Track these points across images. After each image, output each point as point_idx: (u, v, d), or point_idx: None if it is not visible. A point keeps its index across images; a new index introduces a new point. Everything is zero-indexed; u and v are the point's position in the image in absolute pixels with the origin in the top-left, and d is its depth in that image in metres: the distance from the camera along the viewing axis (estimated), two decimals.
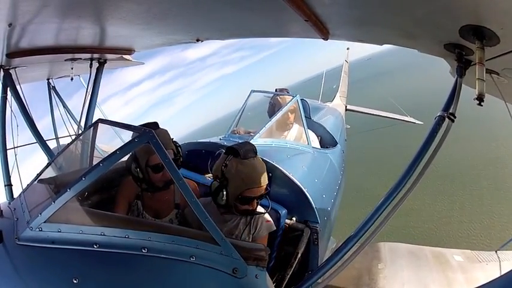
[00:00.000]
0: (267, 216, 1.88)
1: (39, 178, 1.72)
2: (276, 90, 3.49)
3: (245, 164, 1.68)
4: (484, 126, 11.19)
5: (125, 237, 1.25)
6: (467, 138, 10.17)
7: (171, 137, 2.03)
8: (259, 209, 1.85)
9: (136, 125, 1.56)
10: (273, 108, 3.18)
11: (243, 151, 1.70)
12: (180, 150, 2.04)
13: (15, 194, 2.97)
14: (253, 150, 1.75)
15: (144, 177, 1.83)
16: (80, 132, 3.46)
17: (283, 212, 2.08)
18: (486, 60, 1.49)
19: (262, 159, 2.16)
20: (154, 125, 1.90)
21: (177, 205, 1.97)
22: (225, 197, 1.67)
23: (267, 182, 1.77)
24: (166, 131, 1.98)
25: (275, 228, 1.91)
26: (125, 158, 1.85)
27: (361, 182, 9.14)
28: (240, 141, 2.55)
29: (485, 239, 6.62)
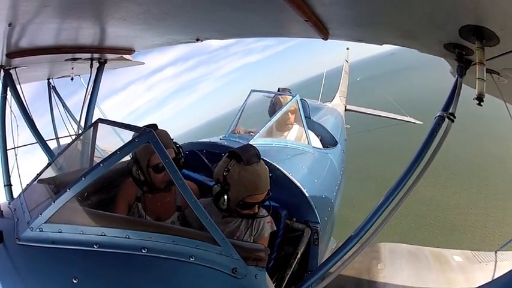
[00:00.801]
0: (268, 217, 1.88)
1: (39, 178, 1.72)
2: (278, 89, 3.51)
3: (248, 171, 1.64)
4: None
5: (125, 237, 1.25)
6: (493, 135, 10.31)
7: (172, 138, 2.03)
8: (262, 211, 1.84)
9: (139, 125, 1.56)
10: (274, 107, 3.18)
11: (246, 156, 1.65)
12: (181, 150, 2.03)
13: (15, 194, 2.97)
14: (256, 155, 1.70)
15: (146, 179, 1.82)
16: (80, 132, 3.47)
17: (284, 212, 2.08)
18: (486, 60, 1.49)
19: (262, 159, 2.16)
20: (154, 127, 1.90)
21: (178, 207, 1.96)
22: (226, 202, 1.65)
23: (269, 188, 1.74)
24: (166, 131, 1.98)
25: (275, 228, 1.91)
26: (125, 159, 1.85)
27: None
28: (241, 142, 2.56)
29: (496, 228, 6.92)
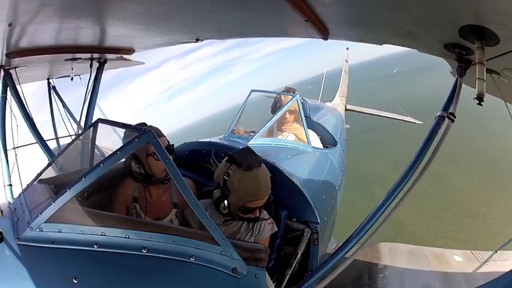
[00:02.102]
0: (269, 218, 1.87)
1: (39, 178, 1.72)
2: (285, 88, 3.53)
3: (249, 177, 1.62)
4: None
5: (125, 237, 1.25)
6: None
7: (164, 135, 2.06)
8: (263, 213, 1.83)
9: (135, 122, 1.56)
10: (276, 105, 3.19)
11: (246, 162, 1.63)
12: (172, 148, 2.06)
13: (15, 194, 2.97)
14: (257, 160, 1.68)
15: (146, 171, 1.83)
16: (80, 132, 3.47)
17: (284, 213, 2.07)
18: (486, 60, 1.49)
19: (262, 159, 2.16)
20: (143, 125, 1.92)
21: (175, 204, 1.97)
22: (226, 207, 1.64)
23: (270, 192, 1.73)
24: (158, 129, 2.01)
25: (276, 229, 1.90)
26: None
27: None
28: (241, 142, 2.56)
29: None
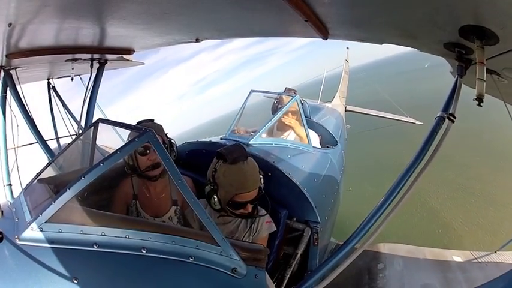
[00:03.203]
0: (267, 217, 1.88)
1: (39, 178, 1.72)
2: (285, 89, 3.54)
3: (233, 170, 1.66)
4: None
5: (125, 237, 1.25)
6: None
7: (166, 132, 2.09)
8: (261, 211, 1.85)
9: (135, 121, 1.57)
10: (276, 106, 3.21)
11: (231, 156, 1.67)
12: (174, 149, 2.09)
13: (15, 194, 2.97)
14: (243, 154, 1.71)
15: (134, 164, 1.87)
16: (80, 132, 3.47)
17: (284, 212, 2.08)
18: (486, 60, 1.49)
19: (262, 159, 2.16)
20: (150, 121, 1.96)
21: (174, 202, 1.98)
22: (217, 202, 1.67)
23: (260, 185, 1.74)
24: (161, 126, 2.03)
25: (275, 229, 1.91)
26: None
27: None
28: (241, 142, 2.57)
29: None
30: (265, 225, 1.84)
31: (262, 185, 1.77)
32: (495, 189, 8.12)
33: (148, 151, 1.84)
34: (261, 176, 1.76)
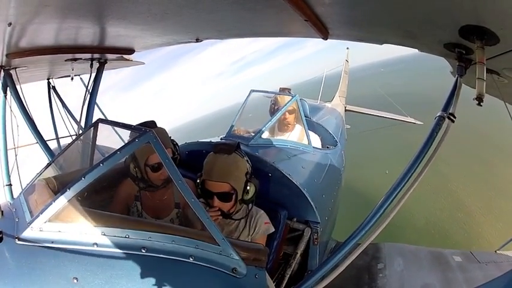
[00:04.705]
0: (265, 217, 1.88)
1: (39, 178, 1.72)
2: (279, 89, 3.53)
3: (210, 157, 1.74)
4: None
5: (125, 237, 1.25)
6: None
7: (169, 136, 2.05)
8: (259, 211, 1.86)
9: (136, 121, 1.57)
10: (273, 107, 3.20)
11: (217, 147, 1.74)
12: (177, 148, 2.07)
13: (15, 194, 2.97)
14: (230, 148, 1.73)
15: (143, 177, 1.84)
16: (80, 132, 3.47)
17: (283, 213, 2.08)
18: (486, 60, 1.49)
19: (262, 160, 2.16)
20: (152, 124, 1.93)
21: (177, 204, 1.97)
22: (199, 184, 1.74)
23: (233, 185, 1.69)
24: (164, 129, 2.01)
25: (273, 230, 1.91)
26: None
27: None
28: (242, 142, 2.56)
29: None
30: (264, 226, 1.85)
31: (243, 189, 1.72)
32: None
33: (161, 169, 1.81)
34: (245, 178, 1.72)
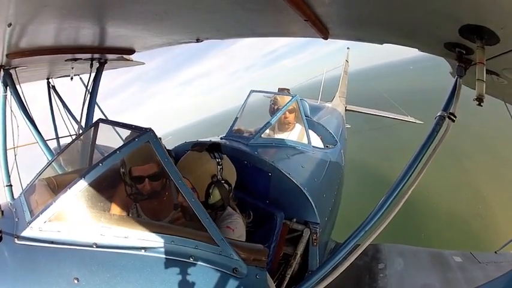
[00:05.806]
0: (230, 220, 1.71)
1: (39, 178, 1.72)
2: (278, 89, 3.53)
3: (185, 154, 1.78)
4: None
5: (125, 237, 1.25)
6: None
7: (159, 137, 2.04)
8: (230, 213, 1.76)
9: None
10: (273, 107, 3.20)
11: (195, 145, 1.79)
12: (171, 154, 2.07)
13: (15, 194, 2.97)
14: (202, 147, 1.74)
15: (130, 183, 1.82)
16: (80, 132, 3.47)
17: (280, 214, 2.06)
18: (486, 60, 1.49)
19: (262, 159, 2.16)
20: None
21: (176, 206, 1.96)
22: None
23: (194, 182, 1.65)
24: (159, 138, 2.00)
25: (232, 235, 1.67)
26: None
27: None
28: (241, 141, 2.56)
29: None
30: (223, 229, 1.63)
31: (206, 191, 1.66)
32: None
33: (143, 182, 1.77)
34: (210, 180, 1.66)
